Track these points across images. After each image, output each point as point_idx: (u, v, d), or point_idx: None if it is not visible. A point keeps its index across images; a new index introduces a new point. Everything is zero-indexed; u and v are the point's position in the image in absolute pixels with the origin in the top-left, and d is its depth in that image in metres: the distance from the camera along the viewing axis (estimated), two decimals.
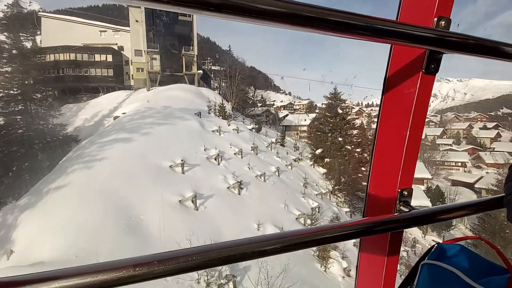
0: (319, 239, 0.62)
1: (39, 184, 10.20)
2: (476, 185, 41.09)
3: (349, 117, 25.49)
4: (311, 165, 22.99)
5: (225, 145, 15.83)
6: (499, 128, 73.97)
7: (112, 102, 34.30)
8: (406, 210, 0.83)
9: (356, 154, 23.12)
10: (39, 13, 42.82)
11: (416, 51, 0.77)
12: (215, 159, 13.40)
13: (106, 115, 31.00)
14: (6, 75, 22.15)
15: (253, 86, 51.69)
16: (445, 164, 53.44)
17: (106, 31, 41.97)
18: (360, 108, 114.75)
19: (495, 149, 56.33)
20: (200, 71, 37.68)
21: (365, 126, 33.93)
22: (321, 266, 9.50)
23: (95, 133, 16.23)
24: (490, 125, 78.59)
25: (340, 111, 25.02)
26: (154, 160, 11.15)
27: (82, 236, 6.71)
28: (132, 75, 39.56)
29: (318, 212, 13.96)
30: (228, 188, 11.48)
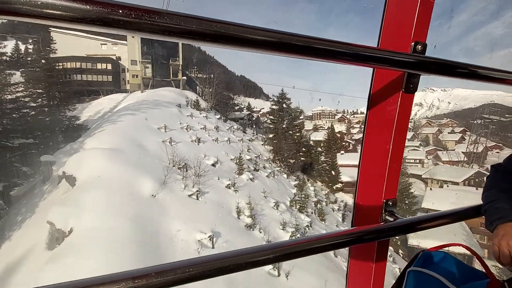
0: (310, 248, 0.65)
1: (79, 141, 18.38)
2: (423, 176, 50.89)
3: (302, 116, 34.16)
4: (262, 144, 31.63)
5: (195, 123, 24.23)
6: (467, 132, 79.89)
7: (112, 102, 42.20)
8: (391, 219, 0.87)
9: (295, 137, 31.94)
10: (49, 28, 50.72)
11: (395, 73, 0.83)
12: (186, 129, 21.75)
13: (107, 112, 38.82)
14: (36, 78, 30.03)
15: (232, 93, 59.89)
16: (405, 161, 63.14)
17: (106, 44, 50.33)
18: (343, 115, 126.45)
19: (454, 150, 65.70)
20: (184, 77, 46.12)
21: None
22: None
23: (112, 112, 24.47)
24: (458, 129, 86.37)
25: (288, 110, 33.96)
26: (150, 125, 19.42)
27: (111, 151, 14.83)
28: (128, 80, 47.73)
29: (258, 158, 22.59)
30: (191, 141, 19.83)
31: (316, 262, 12.36)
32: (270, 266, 10.75)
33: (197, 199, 13.09)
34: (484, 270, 0.80)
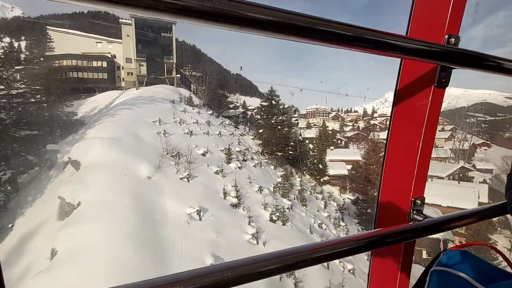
0: (327, 254, 0.61)
1: (79, 132, 19.92)
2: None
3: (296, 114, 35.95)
4: (252, 138, 33.46)
5: (187, 118, 25.90)
6: (457, 130, 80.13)
7: (107, 99, 43.51)
8: (420, 218, 0.84)
9: (283, 132, 33.84)
10: (46, 26, 51.65)
11: (427, 66, 0.79)
12: (179, 123, 23.42)
13: (103, 108, 40.13)
14: (35, 75, 31.30)
15: (226, 91, 61.58)
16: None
17: (101, 42, 51.47)
18: (337, 113, 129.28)
19: (443, 147, 67.96)
20: (178, 75, 47.60)
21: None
22: None
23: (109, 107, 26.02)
24: (448, 127, 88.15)
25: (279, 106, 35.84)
26: (145, 119, 21.04)
27: (111, 140, 16.46)
28: (123, 78, 48.98)
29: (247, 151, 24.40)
30: (183, 133, 21.52)
31: (292, 236, 14.32)
32: (249, 236, 12.62)
33: (188, 181, 14.85)
34: (510, 269, 0.76)
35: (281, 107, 36.10)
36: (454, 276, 0.75)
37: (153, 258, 9.44)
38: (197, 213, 12.46)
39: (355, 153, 49.37)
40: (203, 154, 19.24)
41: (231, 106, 56.47)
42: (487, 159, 66.18)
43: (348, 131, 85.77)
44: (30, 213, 13.17)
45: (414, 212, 0.87)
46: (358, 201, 33.21)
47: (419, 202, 0.87)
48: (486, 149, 76.41)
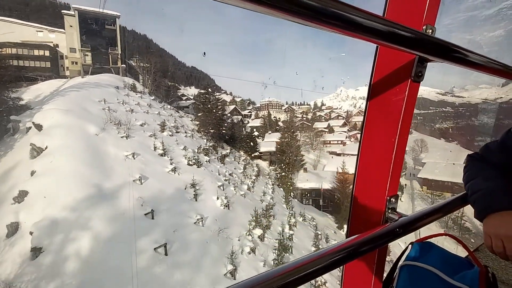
0: (296, 279, 0.51)
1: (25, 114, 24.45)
2: (338, 152, 64.41)
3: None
4: (191, 120, 40.01)
5: (130, 100, 31.40)
6: None
7: (51, 87, 45.63)
8: (395, 217, 0.82)
9: (217, 114, 41.04)
10: None
11: (404, 58, 0.74)
12: (122, 103, 28.93)
13: (47, 95, 42.53)
14: None
15: (174, 82, 66.00)
16: (331, 142, 76.90)
17: (42, 31, 52.07)
18: (289, 106, 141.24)
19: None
20: (124, 65, 51.38)
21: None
22: None
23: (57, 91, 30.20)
24: None
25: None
26: (92, 98, 26.21)
27: (65, 111, 21.70)
28: (67, 67, 50.91)
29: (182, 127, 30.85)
30: (125, 111, 27.20)
31: (200, 173, 21.58)
32: (169, 169, 19.51)
33: (126, 139, 21.08)
34: (470, 258, 0.79)
35: (216, 96, 43.01)
36: (422, 270, 0.77)
37: (100, 172, 15.86)
38: (132, 155, 18.95)
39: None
40: (141, 125, 25.38)
41: (184, 98, 61.73)
42: None
43: (297, 121, 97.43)
44: (6, 159, 18.21)
45: (389, 211, 0.85)
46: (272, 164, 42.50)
47: (393, 200, 0.85)
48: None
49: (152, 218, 14.24)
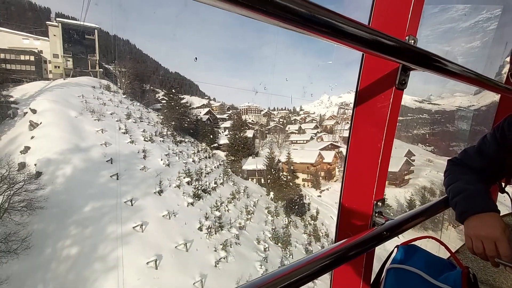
0: (288, 284, 0.52)
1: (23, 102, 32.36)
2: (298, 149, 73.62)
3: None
4: (157, 115, 48.56)
5: (103, 97, 39.60)
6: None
7: (36, 87, 52.75)
8: (382, 221, 0.83)
9: (180, 111, 49.77)
10: None
11: (388, 66, 0.78)
12: (96, 98, 37.10)
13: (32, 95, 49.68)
14: None
15: (149, 85, 74.09)
16: (297, 141, 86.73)
17: (28, 39, 59.07)
18: (268, 110, 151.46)
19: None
20: (101, 70, 59.24)
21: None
22: None
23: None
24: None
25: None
26: (73, 94, 34.30)
27: (53, 101, 29.77)
28: (50, 70, 58.07)
29: (147, 119, 39.25)
30: (99, 104, 35.40)
31: (156, 148, 30.22)
32: (127, 141, 28.11)
33: (98, 121, 29.43)
34: (452, 259, 0.81)
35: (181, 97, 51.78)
36: (408, 273, 0.79)
37: (78, 138, 24.27)
38: (101, 131, 27.39)
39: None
40: (111, 114, 33.72)
41: (163, 102, 69.99)
42: None
43: (271, 124, 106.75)
44: (9, 133, 26.08)
45: (376, 214, 0.86)
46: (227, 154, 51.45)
47: (380, 204, 0.87)
48: None
49: (112, 163, 22.80)
